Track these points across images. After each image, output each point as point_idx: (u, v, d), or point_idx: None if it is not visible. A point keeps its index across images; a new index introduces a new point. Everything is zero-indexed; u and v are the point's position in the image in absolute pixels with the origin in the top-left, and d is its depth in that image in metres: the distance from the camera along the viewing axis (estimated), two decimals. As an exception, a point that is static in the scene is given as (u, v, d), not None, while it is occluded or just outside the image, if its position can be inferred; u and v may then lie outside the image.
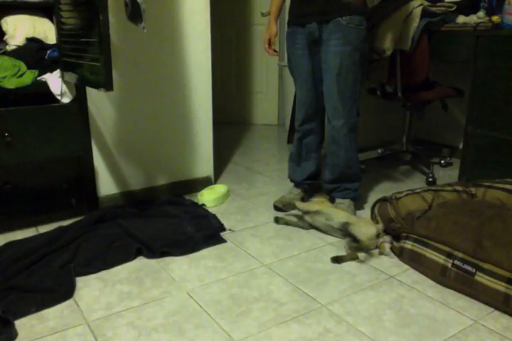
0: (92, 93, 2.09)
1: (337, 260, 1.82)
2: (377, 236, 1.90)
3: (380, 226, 1.93)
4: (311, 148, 2.30)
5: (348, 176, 2.21)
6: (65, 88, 1.94)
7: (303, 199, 2.36)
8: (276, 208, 2.32)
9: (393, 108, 3.35)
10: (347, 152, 2.15)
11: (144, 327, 1.43)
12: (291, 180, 2.43)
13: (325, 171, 2.28)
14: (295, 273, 1.74)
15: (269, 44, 2.23)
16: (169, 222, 2.09)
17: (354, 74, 2.04)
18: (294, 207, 2.23)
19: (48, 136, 1.86)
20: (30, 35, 1.99)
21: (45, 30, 2.04)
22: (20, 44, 1.98)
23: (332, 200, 2.24)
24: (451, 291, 1.63)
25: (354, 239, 1.88)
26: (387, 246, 1.86)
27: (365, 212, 2.26)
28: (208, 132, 2.56)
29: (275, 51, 2.24)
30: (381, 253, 1.86)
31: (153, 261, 1.82)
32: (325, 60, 2.04)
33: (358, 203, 2.33)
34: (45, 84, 1.92)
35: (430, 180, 2.73)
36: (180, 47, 2.35)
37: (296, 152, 2.33)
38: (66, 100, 1.95)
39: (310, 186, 2.38)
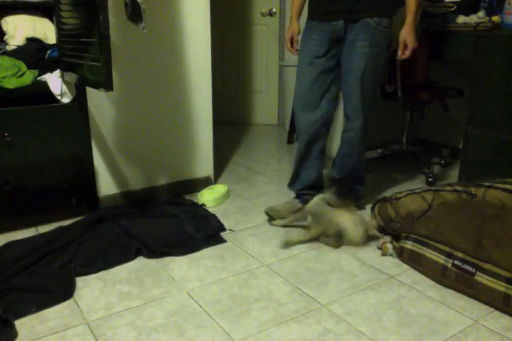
0: (92, 93, 2.09)
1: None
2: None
3: (374, 222, 1.94)
4: (316, 154, 2.17)
5: (354, 178, 2.21)
6: (65, 88, 1.94)
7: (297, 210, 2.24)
8: (267, 214, 2.19)
9: (393, 108, 3.35)
10: (359, 154, 2.15)
11: (144, 327, 1.43)
12: (290, 189, 2.32)
13: (332, 169, 2.25)
14: (295, 273, 1.74)
15: (292, 43, 2.15)
16: (169, 222, 2.09)
17: (376, 78, 2.02)
18: (284, 216, 2.19)
19: (48, 136, 1.86)
20: (30, 35, 1.99)
21: (45, 30, 2.04)
22: (20, 44, 1.98)
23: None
24: (451, 291, 1.63)
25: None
26: (389, 246, 1.86)
27: (366, 212, 2.26)
28: (208, 132, 2.56)
29: (297, 50, 2.14)
30: (384, 255, 1.86)
31: (153, 261, 1.82)
32: (349, 61, 1.99)
33: (360, 204, 2.33)
34: (45, 84, 1.92)
35: (430, 180, 2.73)
36: (180, 47, 2.35)
37: (299, 158, 2.18)
38: (66, 100, 1.95)
39: (311, 196, 2.23)
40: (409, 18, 1.97)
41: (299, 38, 2.13)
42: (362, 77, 1.98)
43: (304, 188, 2.24)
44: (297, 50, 2.14)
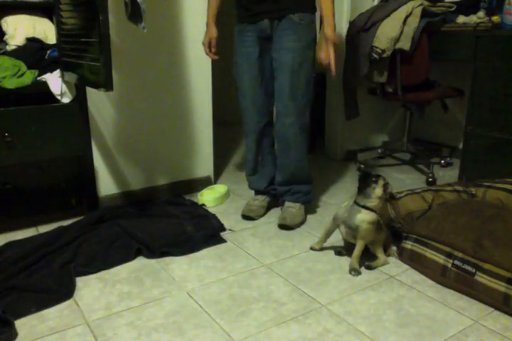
0: (92, 93, 2.09)
1: (369, 267, 1.78)
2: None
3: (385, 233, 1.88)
4: (267, 150, 2.24)
5: (299, 178, 2.16)
6: (65, 88, 1.94)
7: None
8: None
9: (393, 108, 3.35)
10: (297, 152, 2.09)
11: (143, 327, 1.43)
12: (253, 189, 2.34)
13: (276, 173, 2.23)
14: (295, 273, 1.74)
15: (210, 47, 2.16)
16: (169, 222, 2.09)
17: (307, 73, 2.01)
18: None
19: (48, 136, 1.86)
20: (30, 35, 1.99)
21: (45, 30, 2.04)
22: (20, 44, 1.98)
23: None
24: (451, 291, 1.63)
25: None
26: (393, 248, 1.87)
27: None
28: (208, 132, 2.56)
29: (215, 54, 2.18)
30: (388, 255, 1.86)
31: (153, 261, 1.82)
32: (277, 58, 2.00)
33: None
34: (45, 84, 1.92)
35: (430, 180, 2.73)
36: (181, 47, 2.35)
37: (253, 157, 2.22)
38: (66, 100, 1.95)
39: (275, 191, 2.29)
40: (329, 19, 1.90)
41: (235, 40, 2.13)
42: (291, 72, 1.98)
43: (269, 184, 2.29)
44: (215, 54, 2.18)
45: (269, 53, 2.04)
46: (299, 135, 2.07)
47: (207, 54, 2.19)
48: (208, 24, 2.17)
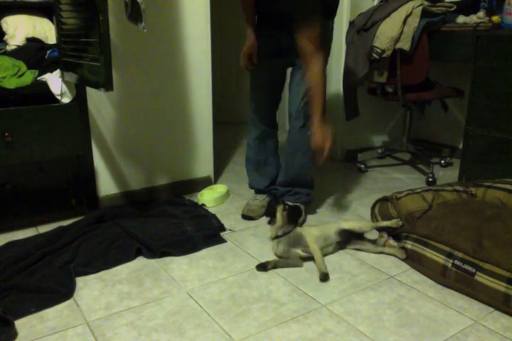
0: (92, 93, 2.09)
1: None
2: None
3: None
4: (271, 151, 2.26)
5: (301, 181, 2.17)
6: (65, 88, 1.94)
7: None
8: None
9: (393, 108, 3.35)
10: (303, 156, 2.11)
11: (143, 327, 1.43)
12: (253, 188, 2.37)
13: (280, 173, 2.25)
14: (295, 273, 1.74)
15: (250, 57, 2.12)
16: (169, 222, 2.09)
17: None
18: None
19: (48, 136, 1.86)
20: (30, 35, 1.99)
21: (45, 30, 2.04)
22: (20, 44, 1.98)
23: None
24: (451, 291, 1.63)
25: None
26: (392, 242, 1.87)
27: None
28: (208, 132, 2.56)
29: (252, 64, 2.15)
30: (390, 249, 1.86)
31: (153, 261, 1.82)
32: (293, 64, 2.04)
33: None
34: (45, 84, 1.92)
35: (430, 180, 2.73)
36: (181, 47, 2.35)
37: (256, 156, 2.26)
38: (66, 100, 1.95)
39: (276, 191, 2.30)
40: (318, 116, 1.81)
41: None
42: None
43: (269, 184, 2.31)
44: (252, 65, 2.14)
45: (282, 61, 2.07)
46: (308, 139, 2.04)
47: (244, 66, 2.15)
48: (249, 35, 2.12)
